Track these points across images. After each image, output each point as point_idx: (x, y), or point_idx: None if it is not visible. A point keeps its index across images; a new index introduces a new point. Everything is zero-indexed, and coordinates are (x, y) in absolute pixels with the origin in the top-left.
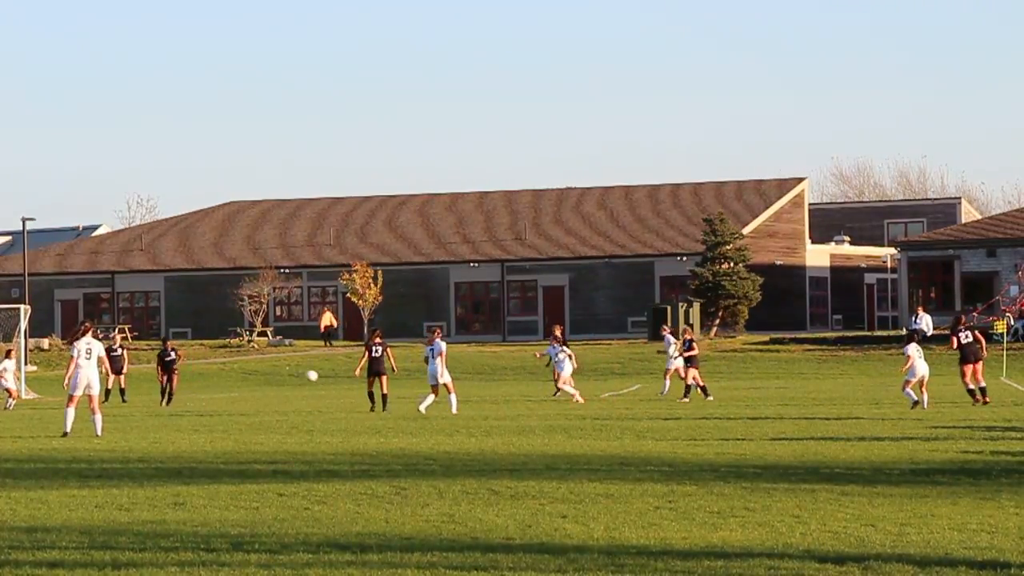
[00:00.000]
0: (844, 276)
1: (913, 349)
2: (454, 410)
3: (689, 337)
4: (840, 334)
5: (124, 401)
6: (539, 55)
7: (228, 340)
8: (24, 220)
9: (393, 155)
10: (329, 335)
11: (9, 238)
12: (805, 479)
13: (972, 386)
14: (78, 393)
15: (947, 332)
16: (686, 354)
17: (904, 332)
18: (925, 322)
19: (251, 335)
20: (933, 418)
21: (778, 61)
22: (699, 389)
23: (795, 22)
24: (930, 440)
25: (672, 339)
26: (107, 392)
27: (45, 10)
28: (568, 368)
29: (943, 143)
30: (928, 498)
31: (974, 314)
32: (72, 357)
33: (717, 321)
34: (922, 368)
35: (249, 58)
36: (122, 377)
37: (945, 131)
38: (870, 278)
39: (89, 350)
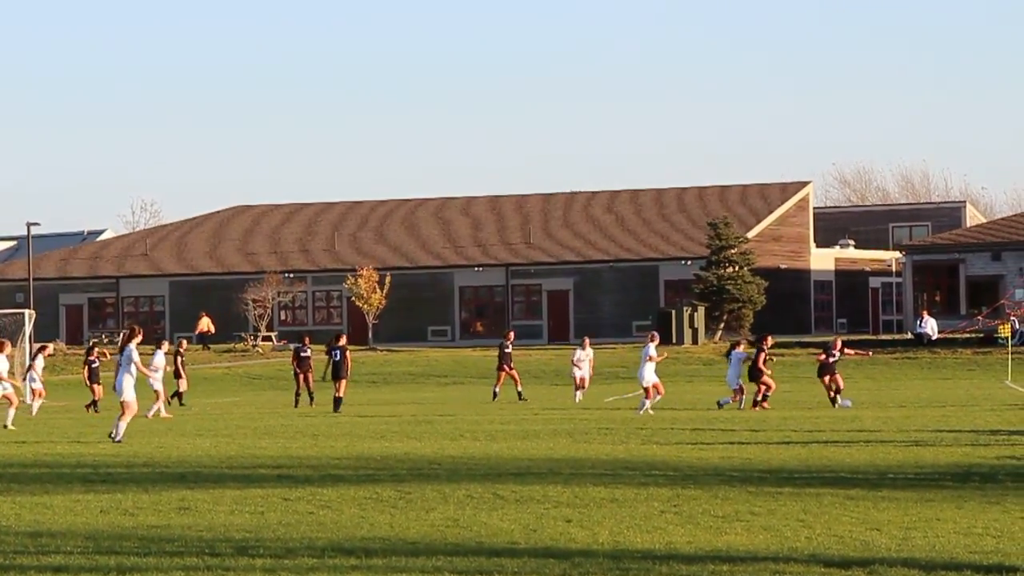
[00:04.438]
0: (849, 280)
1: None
2: (644, 411)
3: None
4: (845, 338)
5: (96, 412)
6: (546, 60)
7: (233, 344)
8: (29, 225)
9: (399, 160)
10: (205, 339)
11: (14, 243)
12: (810, 483)
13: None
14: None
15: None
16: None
17: (910, 336)
18: (930, 326)
19: (256, 339)
20: (938, 422)
21: (778, 66)
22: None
23: (795, 27)
24: (935, 444)
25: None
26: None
27: (51, 14)
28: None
29: (944, 147)
30: (934, 502)
31: (979, 318)
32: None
33: (722, 325)
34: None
35: (253, 63)
36: (99, 388)
37: (946, 135)
38: (875, 282)
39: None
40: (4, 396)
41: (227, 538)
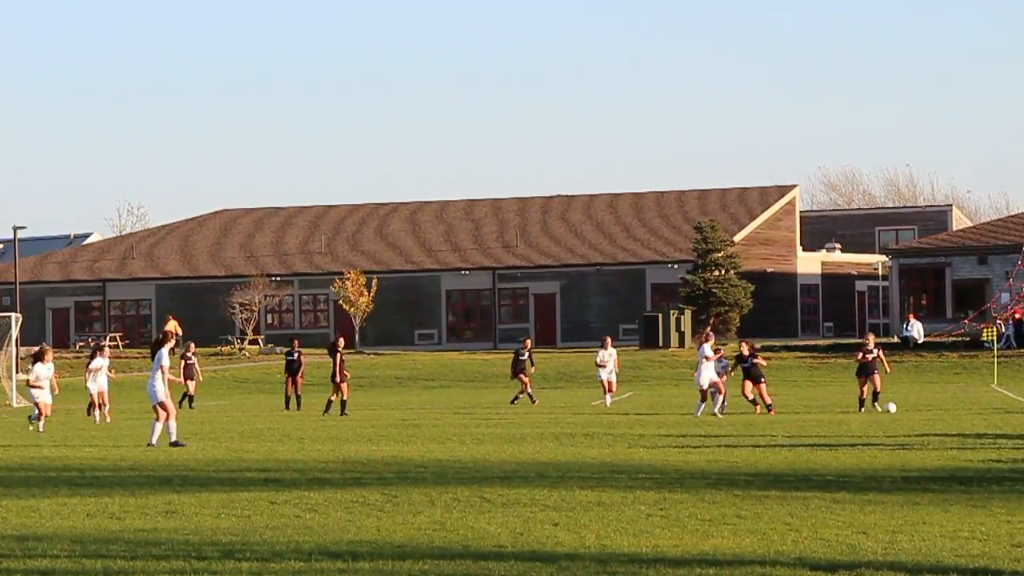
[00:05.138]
0: (835, 283)
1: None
2: (700, 414)
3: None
4: (832, 341)
5: (89, 415)
6: (527, 64)
7: (220, 348)
8: (15, 228)
9: (383, 163)
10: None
11: (0, 246)
12: (796, 486)
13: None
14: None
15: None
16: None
17: (896, 339)
18: (916, 329)
19: (242, 343)
20: (924, 426)
21: (764, 69)
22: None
23: (781, 31)
24: (921, 448)
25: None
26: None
27: (36, 17)
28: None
29: (930, 151)
30: (920, 505)
31: (965, 322)
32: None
33: (708, 328)
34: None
35: (240, 66)
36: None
37: (932, 139)
38: (861, 285)
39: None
40: (36, 404)
41: (213, 542)
